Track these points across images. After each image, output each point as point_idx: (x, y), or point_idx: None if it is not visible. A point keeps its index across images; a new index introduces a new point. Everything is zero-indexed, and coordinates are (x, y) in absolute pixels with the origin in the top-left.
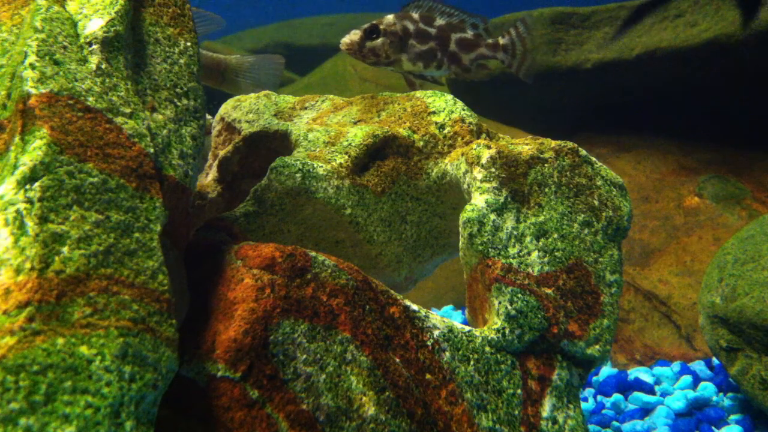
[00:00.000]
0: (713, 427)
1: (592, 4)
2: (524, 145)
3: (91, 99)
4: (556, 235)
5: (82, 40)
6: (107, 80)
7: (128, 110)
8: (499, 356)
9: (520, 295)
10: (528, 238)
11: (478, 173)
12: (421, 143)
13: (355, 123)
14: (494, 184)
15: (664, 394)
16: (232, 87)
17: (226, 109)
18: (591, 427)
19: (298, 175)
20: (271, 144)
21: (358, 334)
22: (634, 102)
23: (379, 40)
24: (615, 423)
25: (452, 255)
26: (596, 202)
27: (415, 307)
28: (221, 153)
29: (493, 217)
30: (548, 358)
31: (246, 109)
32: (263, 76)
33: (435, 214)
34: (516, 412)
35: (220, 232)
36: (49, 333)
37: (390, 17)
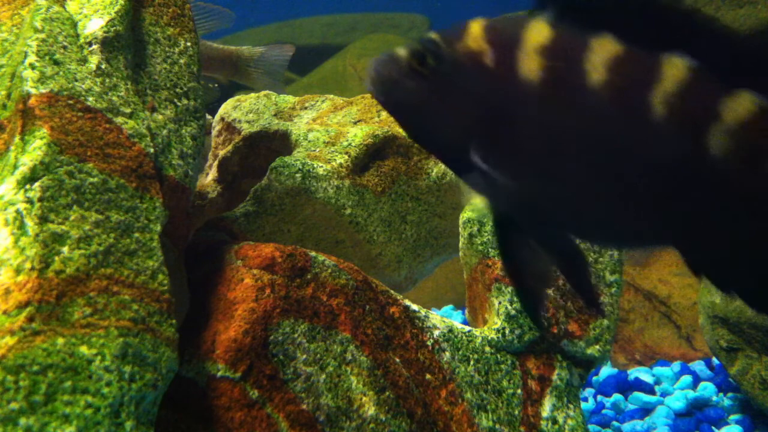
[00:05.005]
0: (713, 427)
1: None
2: None
3: (91, 99)
4: None
5: (82, 40)
6: (107, 80)
7: (128, 110)
8: (499, 356)
9: None
10: None
11: None
12: None
13: (355, 123)
14: None
15: (664, 394)
16: (245, 77)
17: (226, 109)
18: (591, 427)
19: (298, 175)
20: (271, 144)
21: (358, 334)
22: None
23: None
24: (615, 423)
25: (452, 255)
26: None
27: (415, 307)
28: (221, 153)
29: None
30: (548, 358)
31: (246, 109)
32: (274, 65)
33: (435, 214)
34: (516, 412)
35: (220, 232)
36: (49, 333)
37: None
